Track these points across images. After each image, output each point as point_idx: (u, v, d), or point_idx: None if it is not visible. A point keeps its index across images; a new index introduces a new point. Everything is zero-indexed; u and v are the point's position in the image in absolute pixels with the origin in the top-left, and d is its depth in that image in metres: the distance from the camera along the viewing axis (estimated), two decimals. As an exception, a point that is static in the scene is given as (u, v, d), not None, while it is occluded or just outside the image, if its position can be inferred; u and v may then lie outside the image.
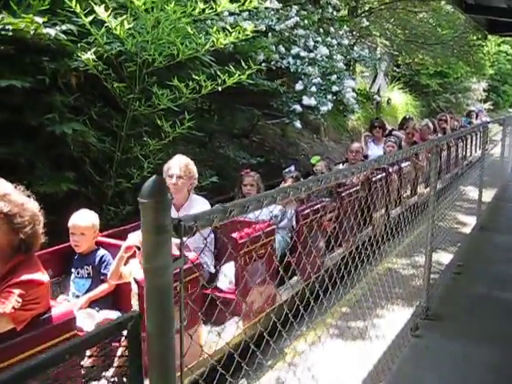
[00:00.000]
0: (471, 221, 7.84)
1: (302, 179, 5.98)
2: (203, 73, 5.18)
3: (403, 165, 7.80)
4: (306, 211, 4.97)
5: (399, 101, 18.19)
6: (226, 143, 8.68)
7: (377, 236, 5.94)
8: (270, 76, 7.63)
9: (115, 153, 5.24)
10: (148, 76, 5.07)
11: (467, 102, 22.49)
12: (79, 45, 4.65)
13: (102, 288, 3.63)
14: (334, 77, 8.13)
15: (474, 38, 13.82)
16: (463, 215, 8.14)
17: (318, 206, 5.24)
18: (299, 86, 7.90)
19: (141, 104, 5.05)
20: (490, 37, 16.03)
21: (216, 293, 4.22)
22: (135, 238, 3.50)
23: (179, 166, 4.25)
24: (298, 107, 7.78)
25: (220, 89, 4.94)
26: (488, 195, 8.64)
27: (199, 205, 4.34)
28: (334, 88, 8.07)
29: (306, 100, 7.74)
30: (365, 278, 4.75)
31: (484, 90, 25.26)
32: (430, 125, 9.81)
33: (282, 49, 7.86)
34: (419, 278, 5.46)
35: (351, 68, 11.97)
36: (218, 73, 4.90)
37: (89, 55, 4.36)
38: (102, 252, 3.75)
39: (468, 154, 12.73)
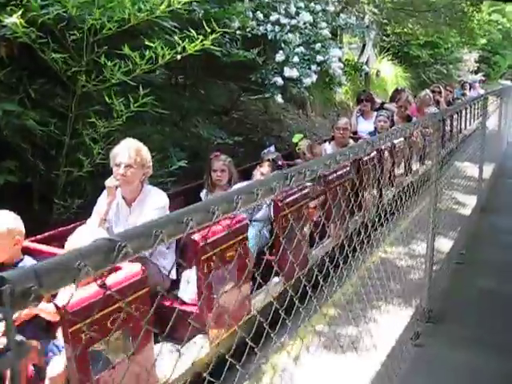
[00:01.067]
0: (470, 201, 7.14)
1: (281, 161, 5.25)
2: (164, 40, 4.38)
3: (396, 141, 7.05)
4: (286, 199, 4.22)
5: (388, 73, 17.39)
6: (201, 122, 7.87)
7: (369, 222, 5.24)
8: (248, 46, 6.81)
9: (63, 137, 4.45)
10: (97, 46, 4.26)
11: (458, 74, 21.66)
12: (8, 8, 3.82)
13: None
14: (318, 45, 7.31)
15: (468, 3, 12.97)
16: (462, 194, 7.42)
17: (301, 191, 4.49)
18: (280, 57, 7.07)
19: (89, 79, 4.25)
20: (482, 4, 15.20)
21: (176, 304, 3.49)
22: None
23: (128, 152, 3.49)
24: (278, 80, 6.96)
25: (179, 57, 4.15)
26: (487, 172, 7.93)
27: (154, 198, 3.59)
28: (319, 58, 7.25)
29: (287, 71, 6.92)
30: (356, 271, 4.05)
31: (475, 61, 24.39)
32: (431, 95, 9.03)
33: (260, 15, 7.02)
34: (418, 271, 4.74)
35: (338, 37, 11.12)
36: (177, 39, 4.09)
37: (14, 19, 3.54)
38: (28, 261, 2.99)
39: (463, 128, 12.00)
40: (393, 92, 9.84)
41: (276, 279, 4.07)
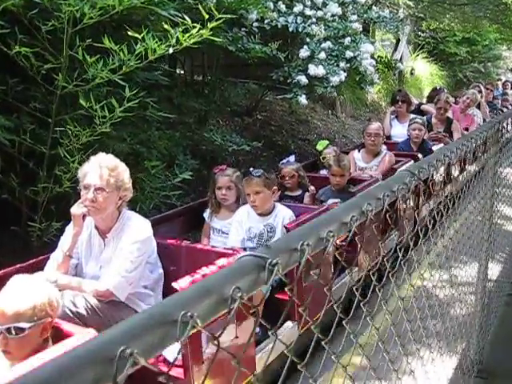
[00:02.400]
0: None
1: (302, 173, 4.41)
2: (160, 32, 3.59)
3: (435, 148, 6.11)
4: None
5: (423, 71, 16.30)
6: (216, 125, 7.09)
7: (405, 243, 4.37)
8: (268, 41, 5.98)
9: (42, 147, 3.71)
10: (80, 38, 3.49)
11: (497, 72, 20.33)
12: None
13: None
14: (347, 40, 6.43)
15: (512, -5, 11.82)
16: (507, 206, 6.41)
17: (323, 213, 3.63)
18: (304, 52, 6.22)
19: (66, 77, 3.49)
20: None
21: (160, 365, 2.69)
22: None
23: (99, 172, 2.70)
24: (302, 78, 6.12)
25: (171, 51, 3.34)
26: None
27: (133, 228, 2.80)
28: (348, 54, 6.38)
29: (312, 69, 6.07)
30: (386, 305, 3.17)
31: (515, 59, 22.96)
32: (478, 96, 7.98)
33: (282, 6, 6.17)
34: (465, 305, 3.83)
35: (369, 33, 10.18)
36: (169, 28, 3.27)
37: (-39, 4, 2.78)
38: None
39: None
40: (431, 92, 8.85)
41: (289, 324, 3.24)
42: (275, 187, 3.54)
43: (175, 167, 4.99)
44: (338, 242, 3.94)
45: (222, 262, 2.72)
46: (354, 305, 1.46)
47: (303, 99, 6.21)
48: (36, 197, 3.82)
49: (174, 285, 2.45)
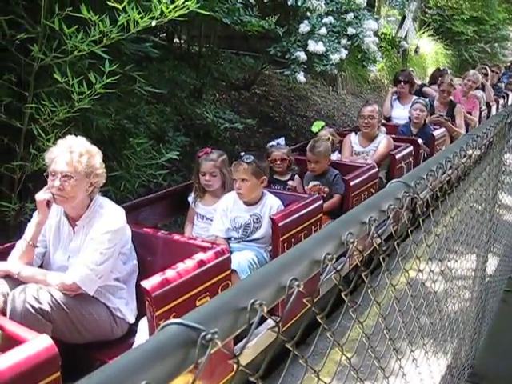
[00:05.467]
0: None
1: (292, 157, 4.19)
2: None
3: (436, 133, 5.88)
4: (289, 217, 3.16)
5: (428, 49, 15.91)
6: (212, 99, 6.84)
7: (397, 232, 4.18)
8: (266, 15, 5.68)
9: (17, 122, 3.47)
10: (59, 7, 3.21)
11: (504, 53, 19.85)
12: None
13: None
14: (350, 16, 6.13)
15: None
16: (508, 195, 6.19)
17: (312, 203, 3.42)
18: (304, 28, 5.93)
19: (44, 49, 3.22)
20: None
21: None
22: None
23: (67, 158, 2.47)
24: (301, 55, 5.85)
25: (154, 23, 3.07)
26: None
27: (105, 217, 2.59)
28: (350, 30, 6.09)
29: (312, 45, 5.79)
30: (375, 296, 2.98)
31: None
32: (479, 76, 7.60)
33: (281, -22, 5.86)
34: (458, 300, 3.63)
35: (374, 8, 9.81)
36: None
37: None
38: None
39: None
40: (433, 72, 8.54)
41: (271, 322, 3.04)
42: (265, 177, 3.32)
43: (162, 145, 4.79)
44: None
45: (200, 256, 2.51)
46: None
47: (301, 76, 5.95)
48: (13, 174, 3.60)
49: (144, 283, 2.25)
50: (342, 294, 1.04)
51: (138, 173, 4.42)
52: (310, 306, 0.88)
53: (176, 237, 2.84)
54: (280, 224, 3.04)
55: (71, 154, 2.46)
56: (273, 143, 4.37)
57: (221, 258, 2.54)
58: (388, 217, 1.20)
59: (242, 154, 3.33)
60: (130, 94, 4.63)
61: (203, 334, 0.65)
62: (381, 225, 1.26)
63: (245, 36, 6.68)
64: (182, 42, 7.12)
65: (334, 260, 0.93)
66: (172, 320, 0.67)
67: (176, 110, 5.87)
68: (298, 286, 0.79)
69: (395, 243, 1.46)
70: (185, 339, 0.64)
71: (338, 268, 1.00)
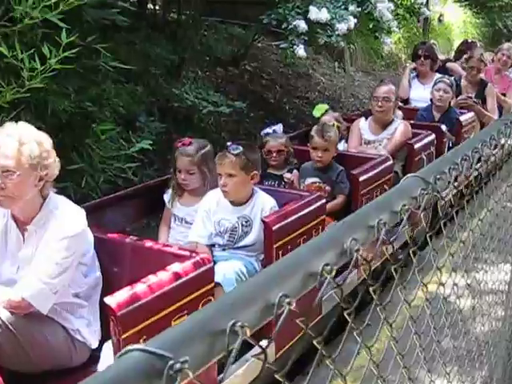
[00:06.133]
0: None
1: (291, 148, 4.21)
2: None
3: (463, 118, 5.89)
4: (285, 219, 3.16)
5: (454, 18, 15.99)
6: (193, 76, 6.82)
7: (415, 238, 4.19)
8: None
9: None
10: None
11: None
12: None
13: None
14: (360, -24, 6.13)
15: None
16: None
17: (313, 202, 3.43)
18: (305, -9, 5.92)
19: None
20: None
21: None
22: None
23: (6, 149, 2.46)
24: (301, 24, 5.82)
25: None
26: None
27: (61, 220, 2.58)
28: (360, -6, 6.09)
29: (314, 12, 5.77)
30: (385, 316, 2.97)
31: None
32: None
33: None
34: (486, 319, 3.64)
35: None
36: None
37: None
38: None
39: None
40: (460, 45, 8.57)
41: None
42: (255, 171, 3.32)
43: (133, 132, 4.78)
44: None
45: (176, 267, 2.51)
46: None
47: (301, 50, 5.92)
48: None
49: (108, 300, 2.24)
50: (345, 313, 1.04)
51: (102, 166, 4.43)
52: (304, 328, 0.88)
53: (148, 243, 2.84)
54: (274, 227, 3.04)
55: (11, 145, 2.44)
56: (268, 131, 4.38)
57: (201, 269, 2.54)
58: (401, 219, 1.20)
59: (229, 143, 3.32)
60: (93, 71, 4.63)
61: (171, 362, 0.65)
62: (393, 229, 1.26)
63: (232, 1, 6.69)
64: (157, 8, 7.11)
65: (335, 272, 0.93)
66: (134, 346, 0.66)
67: (149, 90, 5.86)
68: (289, 303, 0.78)
69: (411, 251, 1.47)
70: (148, 369, 0.64)
71: (341, 282, 1.00)
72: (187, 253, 2.65)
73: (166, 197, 3.68)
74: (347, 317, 1.19)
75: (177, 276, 2.45)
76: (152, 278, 2.42)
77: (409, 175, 1.37)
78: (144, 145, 4.25)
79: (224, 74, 8.56)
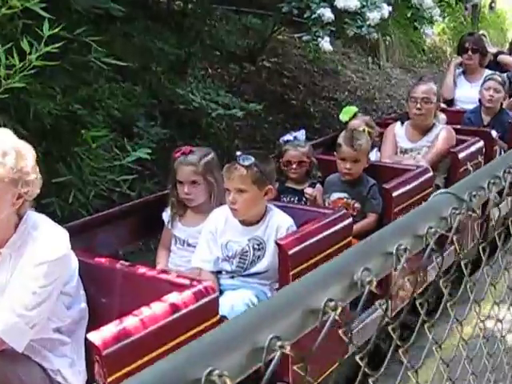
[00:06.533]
0: None
1: (314, 159, 4.21)
2: None
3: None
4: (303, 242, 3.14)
5: (509, 4, 15.98)
6: (201, 74, 6.85)
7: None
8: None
9: None
10: None
11: None
12: None
13: None
14: (396, -43, 6.15)
15: None
16: None
17: (338, 222, 3.40)
18: (331, -25, 5.92)
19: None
20: None
21: None
22: None
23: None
24: (326, 12, 5.82)
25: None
26: None
27: (40, 243, 2.59)
28: (396, -22, 6.08)
29: (341, 0, 5.77)
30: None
31: None
32: None
33: None
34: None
35: None
36: None
37: None
38: None
39: None
40: (515, 36, 8.53)
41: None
42: (270, 186, 3.31)
43: (129, 139, 4.80)
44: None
45: (172, 297, 2.49)
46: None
47: (327, 43, 5.92)
48: None
49: (92, 336, 2.23)
50: (357, 358, 1.02)
51: (94, 178, 4.44)
52: (303, 374, 0.86)
53: (141, 270, 2.83)
54: (290, 251, 3.01)
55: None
56: (288, 138, 4.37)
57: (204, 301, 2.52)
58: (427, 244, 1.17)
59: (238, 153, 3.31)
60: (83, 68, 4.66)
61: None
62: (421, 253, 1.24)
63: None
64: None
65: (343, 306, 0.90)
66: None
67: (150, 89, 5.87)
68: (282, 347, 0.76)
69: (441, 282, 1.44)
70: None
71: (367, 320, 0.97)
72: (187, 281, 2.63)
73: (166, 215, 3.68)
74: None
75: (174, 308, 2.43)
76: (145, 311, 2.40)
77: (439, 191, 1.35)
78: (141, 154, 4.24)
79: (238, 71, 8.59)
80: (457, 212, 1.27)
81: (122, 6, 4.65)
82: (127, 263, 2.93)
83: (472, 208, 1.35)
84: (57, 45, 3.27)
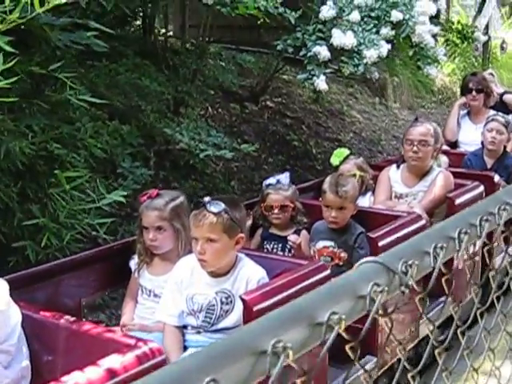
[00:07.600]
0: None
1: (299, 204, 4.02)
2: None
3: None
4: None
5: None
6: (199, 114, 6.73)
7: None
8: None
9: None
10: None
11: None
12: None
13: None
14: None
15: None
16: None
17: (312, 274, 3.16)
18: (328, 11, 5.78)
19: None
20: None
21: None
22: None
23: None
24: (322, 50, 5.67)
25: None
26: None
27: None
28: (395, 15, 5.90)
29: (337, 37, 5.62)
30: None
31: None
32: None
33: None
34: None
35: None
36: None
37: None
38: None
39: None
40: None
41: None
42: (241, 234, 3.10)
43: (112, 179, 4.63)
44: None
45: (112, 360, 2.26)
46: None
47: (322, 82, 5.76)
48: None
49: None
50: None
51: (70, 221, 4.27)
52: None
53: (86, 326, 2.63)
54: (255, 308, 2.76)
55: None
56: (271, 181, 4.19)
57: (148, 364, 2.28)
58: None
59: (206, 199, 3.09)
60: (62, 106, 4.52)
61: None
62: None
63: (250, 25, 6.61)
64: (154, 33, 7.05)
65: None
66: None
67: (138, 129, 5.72)
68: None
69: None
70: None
71: None
72: (132, 341, 2.40)
73: (133, 263, 3.51)
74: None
75: (112, 373, 2.19)
76: (89, 371, 2.19)
77: (364, 260, 1.10)
78: (116, 197, 4.06)
79: (240, 111, 8.43)
80: (379, 290, 1.01)
81: (108, 43, 4.51)
82: (72, 319, 2.72)
83: (406, 282, 1.09)
84: (10, 80, 3.07)
